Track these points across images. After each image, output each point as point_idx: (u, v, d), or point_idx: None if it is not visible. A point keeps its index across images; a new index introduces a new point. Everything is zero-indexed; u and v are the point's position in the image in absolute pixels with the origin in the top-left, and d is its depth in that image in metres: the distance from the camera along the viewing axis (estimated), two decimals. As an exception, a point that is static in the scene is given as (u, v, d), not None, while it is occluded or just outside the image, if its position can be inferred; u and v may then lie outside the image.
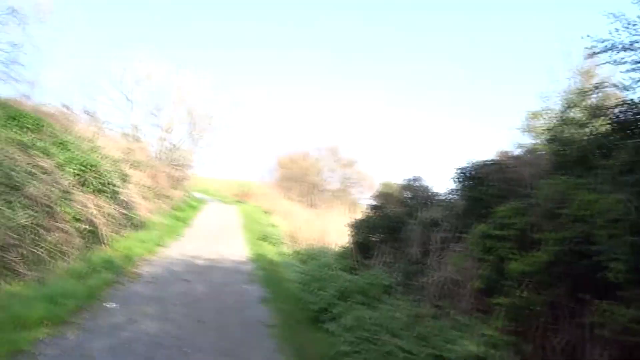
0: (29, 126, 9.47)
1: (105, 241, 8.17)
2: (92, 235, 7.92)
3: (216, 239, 13.85)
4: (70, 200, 7.24)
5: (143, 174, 18.52)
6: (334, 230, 13.92)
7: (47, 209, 6.54)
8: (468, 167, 5.46)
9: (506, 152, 5.98)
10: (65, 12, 19.77)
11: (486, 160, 5.25)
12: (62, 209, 6.70)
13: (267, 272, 8.88)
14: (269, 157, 48.78)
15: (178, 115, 26.87)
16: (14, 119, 9.37)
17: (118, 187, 9.79)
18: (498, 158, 5.48)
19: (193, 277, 7.65)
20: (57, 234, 6.38)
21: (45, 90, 21.24)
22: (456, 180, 5.81)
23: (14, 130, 8.61)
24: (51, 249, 6.15)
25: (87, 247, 7.22)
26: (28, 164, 7.25)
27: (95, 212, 8.37)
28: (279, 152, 47.54)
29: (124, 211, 10.08)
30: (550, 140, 5.67)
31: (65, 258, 6.31)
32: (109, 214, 8.89)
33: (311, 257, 10.75)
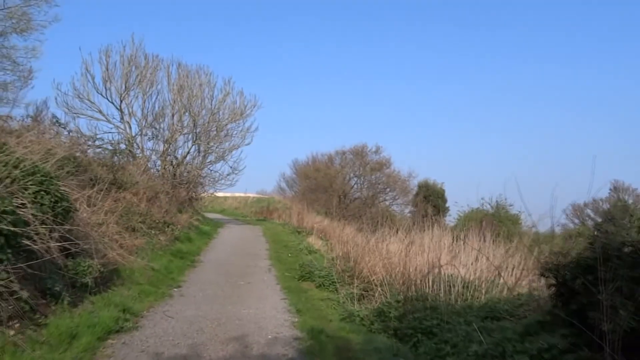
0: None
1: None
2: None
3: (233, 288, 8.70)
4: None
5: (135, 197, 13.69)
6: (416, 257, 8.61)
7: None
8: None
9: None
10: (45, 18, 15.36)
11: None
12: None
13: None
14: (289, 166, 43.56)
15: (181, 124, 22.00)
16: None
17: (21, 225, 4.74)
18: None
19: None
20: None
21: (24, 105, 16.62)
22: None
23: None
24: None
25: None
26: None
27: None
28: (299, 160, 42.47)
29: (35, 273, 5.04)
30: None
31: None
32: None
33: (426, 329, 5.43)
